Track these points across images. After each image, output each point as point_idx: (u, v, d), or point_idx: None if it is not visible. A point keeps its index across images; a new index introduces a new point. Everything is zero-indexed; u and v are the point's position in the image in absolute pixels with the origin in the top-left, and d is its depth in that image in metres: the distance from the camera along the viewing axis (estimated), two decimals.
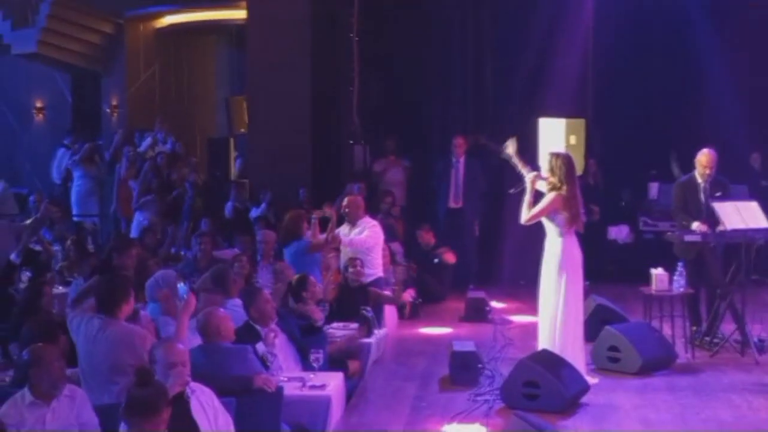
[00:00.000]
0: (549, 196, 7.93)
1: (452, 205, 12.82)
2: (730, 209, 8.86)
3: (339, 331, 8.51)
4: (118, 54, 16.76)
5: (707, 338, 9.16)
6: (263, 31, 14.07)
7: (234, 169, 15.51)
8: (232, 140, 15.65)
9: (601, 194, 13.55)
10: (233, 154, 15.53)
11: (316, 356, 6.76)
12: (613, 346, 8.42)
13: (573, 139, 13.29)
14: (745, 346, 8.85)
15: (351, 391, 7.57)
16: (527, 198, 7.98)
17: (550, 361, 7.53)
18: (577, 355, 7.87)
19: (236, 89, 17.14)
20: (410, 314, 10.97)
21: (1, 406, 5.20)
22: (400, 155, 14.00)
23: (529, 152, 12.57)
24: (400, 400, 7.65)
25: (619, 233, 13.48)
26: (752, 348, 8.76)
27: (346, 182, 13.14)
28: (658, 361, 8.42)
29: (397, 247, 11.90)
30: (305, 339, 7.44)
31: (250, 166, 14.70)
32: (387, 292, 10.32)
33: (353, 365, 7.96)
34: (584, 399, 7.47)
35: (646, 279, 9.09)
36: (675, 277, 8.95)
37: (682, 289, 8.96)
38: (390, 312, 10.30)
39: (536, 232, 8.24)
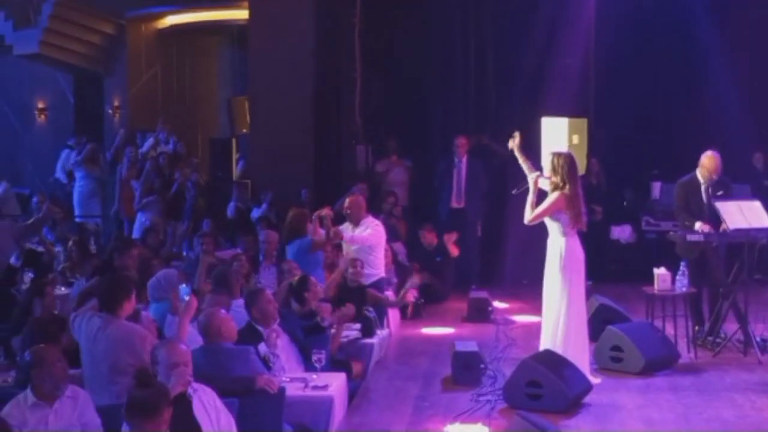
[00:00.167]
0: (552, 196, 7.92)
1: (454, 205, 12.82)
2: (732, 209, 8.85)
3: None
4: (120, 54, 16.77)
5: (710, 338, 9.15)
6: (265, 31, 14.08)
7: (236, 169, 15.51)
8: (234, 140, 15.66)
9: (603, 194, 13.55)
10: (235, 154, 15.52)
11: (319, 357, 6.76)
12: (616, 346, 8.41)
13: (575, 139, 13.33)
14: (747, 346, 8.84)
15: (353, 392, 7.56)
16: (530, 198, 7.98)
17: (553, 361, 7.53)
18: (581, 354, 7.86)
19: (238, 90, 17.17)
20: (412, 314, 10.97)
21: (3, 407, 5.20)
22: (402, 155, 14.00)
23: (531, 152, 12.64)
24: (402, 400, 7.64)
25: (621, 233, 13.48)
26: (755, 347, 8.75)
27: (348, 183, 13.15)
28: (660, 361, 8.41)
29: (399, 247, 11.90)
30: (307, 339, 7.44)
31: (252, 166, 14.70)
32: (389, 293, 10.32)
33: (356, 367, 7.96)
34: (587, 399, 7.46)
35: (649, 279, 9.07)
36: (678, 277, 8.94)
37: (684, 289, 8.95)
38: (392, 312, 10.30)
39: (539, 232, 8.23)
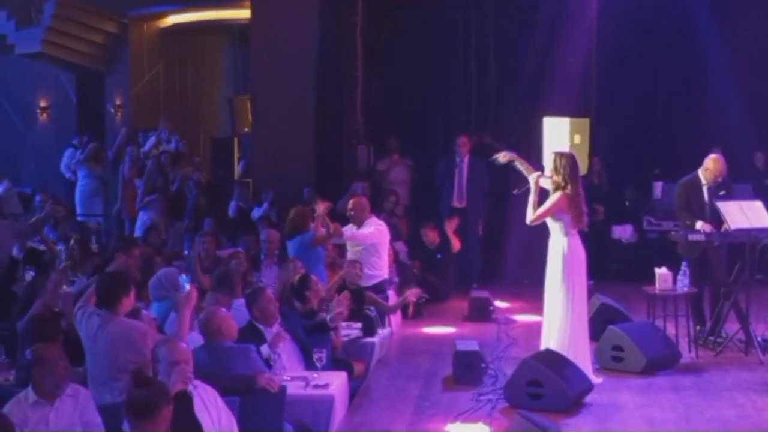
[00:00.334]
0: (554, 196, 7.92)
1: (456, 204, 12.82)
2: (734, 208, 8.85)
3: (342, 330, 8.48)
4: (122, 53, 16.78)
5: (711, 338, 9.15)
6: (267, 30, 14.08)
7: (237, 168, 15.52)
8: (235, 140, 15.66)
9: (605, 193, 13.56)
10: (237, 154, 15.53)
11: (319, 355, 6.76)
12: (617, 346, 8.41)
13: (577, 139, 13.32)
14: (749, 346, 8.84)
15: (354, 391, 7.56)
16: (532, 198, 7.98)
17: (554, 360, 7.53)
18: (582, 354, 7.86)
19: (240, 89, 17.17)
20: (414, 314, 10.96)
21: (4, 406, 5.20)
22: (403, 154, 14.00)
23: (533, 151, 12.66)
24: (403, 400, 7.64)
25: (623, 232, 13.47)
26: (756, 347, 8.75)
27: (350, 182, 13.15)
28: (661, 361, 8.41)
29: (400, 246, 11.90)
30: (310, 338, 7.44)
31: (253, 165, 14.70)
32: (390, 292, 10.31)
33: (358, 366, 7.96)
34: (588, 398, 7.46)
35: (650, 278, 9.07)
36: (679, 277, 8.93)
37: (686, 289, 8.94)
38: None
39: (540, 232, 8.24)
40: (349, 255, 10.11)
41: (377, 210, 11.46)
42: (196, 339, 6.40)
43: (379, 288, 10.02)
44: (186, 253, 10.70)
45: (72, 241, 10.61)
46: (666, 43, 13.99)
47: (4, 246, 9.16)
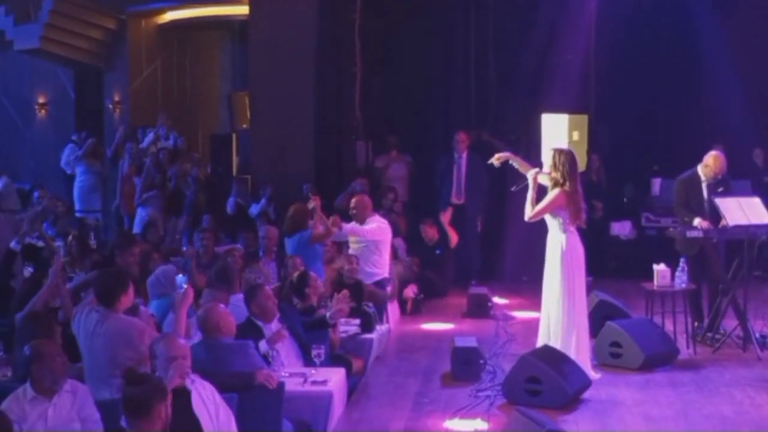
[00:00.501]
0: (552, 193, 7.92)
1: (455, 201, 12.81)
2: (732, 205, 8.86)
3: (341, 326, 8.48)
4: (120, 50, 16.76)
5: (709, 334, 9.16)
6: (266, 26, 14.06)
7: (236, 165, 15.50)
8: (234, 136, 15.65)
9: (603, 190, 13.56)
10: (236, 151, 15.52)
11: (318, 352, 6.76)
12: (615, 342, 8.42)
13: (576, 135, 13.34)
14: (747, 342, 8.85)
15: (353, 387, 7.57)
16: (530, 194, 7.98)
17: (552, 357, 7.53)
18: (581, 350, 7.87)
19: (239, 85, 17.14)
20: (412, 310, 10.97)
21: (2, 402, 5.20)
22: (402, 151, 14.00)
23: (532, 148, 12.67)
24: (401, 396, 7.65)
25: (621, 229, 13.47)
26: (754, 344, 8.76)
27: (349, 178, 13.14)
28: (660, 357, 8.42)
29: (399, 242, 11.90)
30: (309, 334, 7.44)
31: (252, 162, 14.70)
32: (388, 288, 10.31)
33: (356, 362, 7.96)
34: (586, 395, 7.47)
35: (649, 275, 9.07)
36: (677, 273, 8.93)
37: (684, 285, 8.94)
38: (392, 308, 10.31)
39: (539, 229, 8.24)
40: (351, 252, 10.10)
41: (375, 206, 11.46)
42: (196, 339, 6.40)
43: (379, 286, 10.02)
44: (184, 249, 10.70)
45: (70, 237, 10.62)
46: (665, 40, 13.98)
47: (4, 239, 9.16)
